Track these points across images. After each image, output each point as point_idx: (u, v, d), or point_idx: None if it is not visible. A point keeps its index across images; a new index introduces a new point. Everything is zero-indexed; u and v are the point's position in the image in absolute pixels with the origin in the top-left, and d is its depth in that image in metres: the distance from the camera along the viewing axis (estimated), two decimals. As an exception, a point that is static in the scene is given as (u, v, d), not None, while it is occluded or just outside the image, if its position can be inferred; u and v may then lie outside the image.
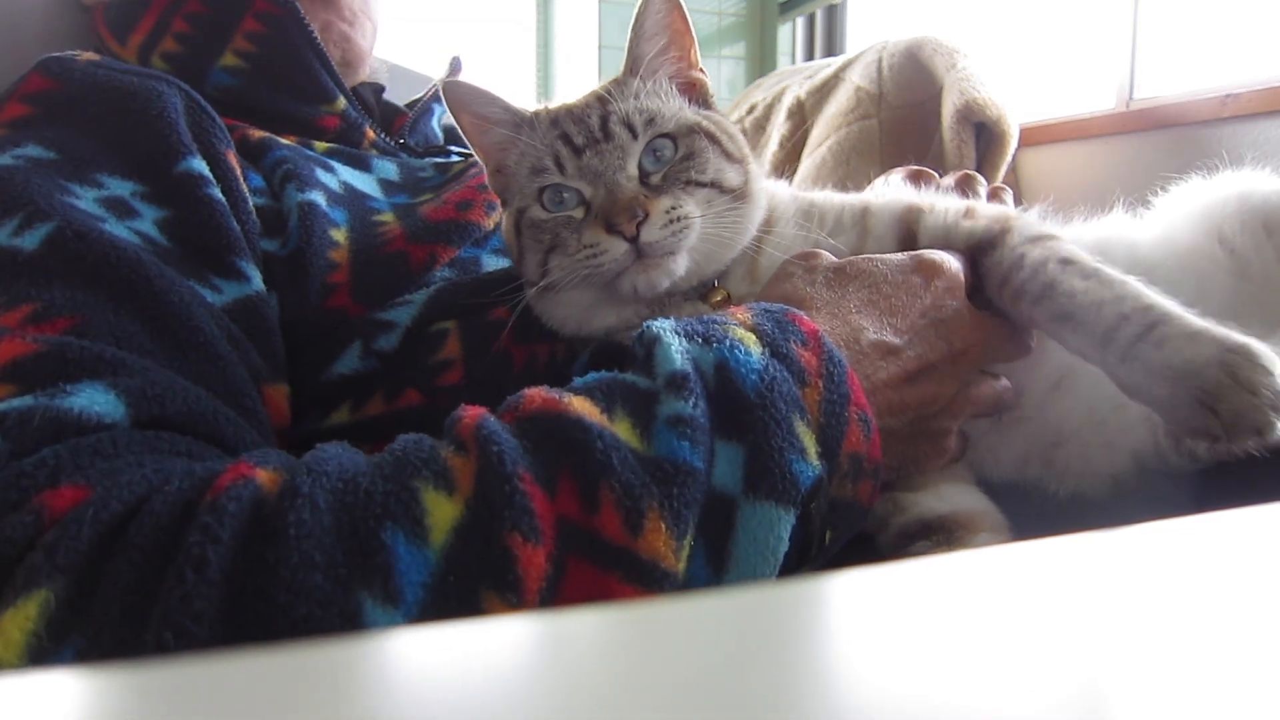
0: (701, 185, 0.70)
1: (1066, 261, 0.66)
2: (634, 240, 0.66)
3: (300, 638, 0.39)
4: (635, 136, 0.71)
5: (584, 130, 0.71)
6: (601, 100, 0.74)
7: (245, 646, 0.38)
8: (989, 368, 0.70)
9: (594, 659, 0.21)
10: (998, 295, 0.69)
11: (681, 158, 0.71)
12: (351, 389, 0.72)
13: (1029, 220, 0.73)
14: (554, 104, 0.79)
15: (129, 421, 0.51)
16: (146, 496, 0.44)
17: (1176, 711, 0.19)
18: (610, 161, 0.70)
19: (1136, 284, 0.64)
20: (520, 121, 0.76)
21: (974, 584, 0.26)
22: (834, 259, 0.67)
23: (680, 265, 0.69)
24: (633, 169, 0.70)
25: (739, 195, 0.72)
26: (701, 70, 0.78)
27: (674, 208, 0.68)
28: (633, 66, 0.75)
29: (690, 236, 0.68)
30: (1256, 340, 0.59)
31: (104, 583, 0.40)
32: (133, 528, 0.42)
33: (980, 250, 0.70)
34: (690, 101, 0.76)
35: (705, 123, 0.74)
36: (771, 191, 0.79)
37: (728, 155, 0.73)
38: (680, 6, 0.74)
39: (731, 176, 0.72)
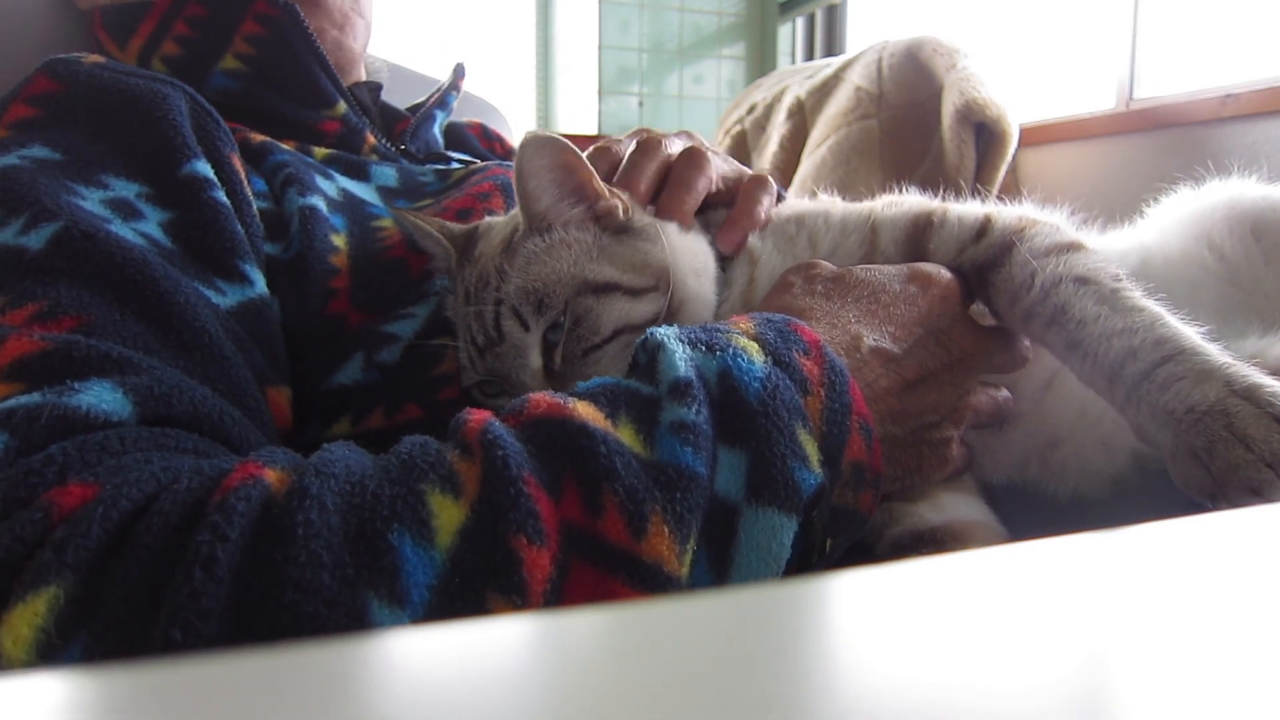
0: (605, 342, 0.66)
1: (1082, 280, 0.61)
2: None
3: (307, 637, 0.39)
4: (528, 328, 0.67)
5: (482, 328, 0.69)
6: (499, 273, 0.68)
7: (252, 645, 0.39)
8: (987, 378, 0.69)
9: (594, 659, 0.22)
10: (1009, 314, 0.66)
11: (570, 327, 0.66)
12: (352, 400, 0.72)
13: (1048, 228, 0.68)
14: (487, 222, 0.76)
15: (136, 420, 0.51)
16: (155, 495, 0.44)
17: (1177, 712, 0.19)
18: (509, 363, 0.68)
19: (1155, 310, 0.59)
20: (450, 265, 0.75)
21: (974, 584, 0.26)
22: (833, 268, 0.67)
23: None
24: (535, 361, 0.67)
25: (660, 319, 0.67)
26: (610, 194, 0.70)
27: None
28: (531, 223, 0.69)
29: None
30: (1272, 379, 0.53)
31: (113, 580, 0.41)
32: (141, 526, 0.42)
33: (988, 267, 0.67)
34: (603, 230, 0.70)
35: (593, 275, 0.67)
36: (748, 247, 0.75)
37: (632, 292, 0.67)
38: (561, 146, 0.66)
39: (641, 311, 0.67)
